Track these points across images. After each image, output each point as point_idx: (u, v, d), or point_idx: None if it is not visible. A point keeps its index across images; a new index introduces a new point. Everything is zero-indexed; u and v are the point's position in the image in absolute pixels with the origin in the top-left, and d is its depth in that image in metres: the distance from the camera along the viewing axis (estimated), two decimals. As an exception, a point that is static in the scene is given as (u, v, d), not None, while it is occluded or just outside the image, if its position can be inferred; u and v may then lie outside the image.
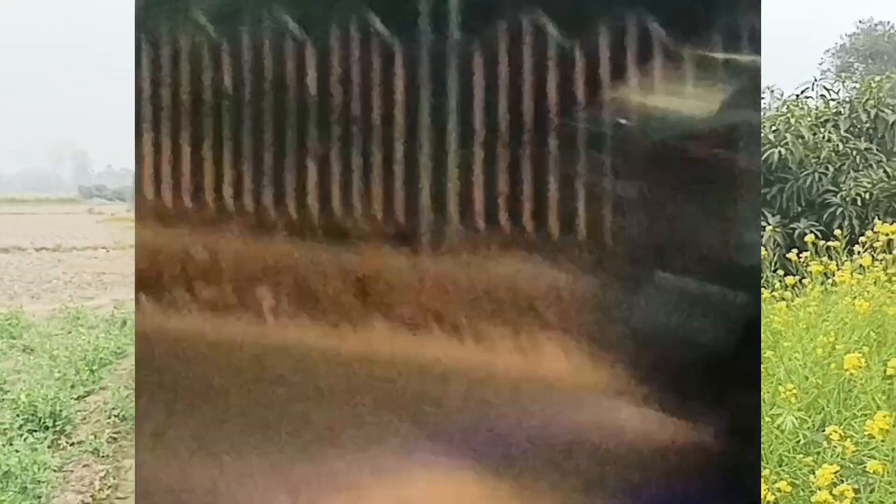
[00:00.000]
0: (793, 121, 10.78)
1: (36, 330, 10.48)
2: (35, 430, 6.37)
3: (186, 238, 10.76)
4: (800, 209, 10.38)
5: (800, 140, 10.49)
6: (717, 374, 4.06)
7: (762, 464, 3.58)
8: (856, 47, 32.50)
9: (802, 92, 11.92)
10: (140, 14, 5.81)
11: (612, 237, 4.87)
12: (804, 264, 5.83)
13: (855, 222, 9.63)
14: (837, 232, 6.47)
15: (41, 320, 11.30)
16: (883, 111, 10.99)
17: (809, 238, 6.15)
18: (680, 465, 4.27)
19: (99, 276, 18.61)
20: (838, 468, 3.00)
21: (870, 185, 9.89)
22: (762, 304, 5.35)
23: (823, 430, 3.49)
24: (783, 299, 5.67)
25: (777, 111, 11.59)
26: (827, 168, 10.45)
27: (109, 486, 5.64)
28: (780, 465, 3.56)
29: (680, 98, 4.68)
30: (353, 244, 7.06)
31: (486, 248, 5.63)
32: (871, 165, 10.44)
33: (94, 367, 8.31)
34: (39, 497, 5.26)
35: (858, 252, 6.01)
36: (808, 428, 3.72)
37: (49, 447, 6.15)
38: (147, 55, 6.46)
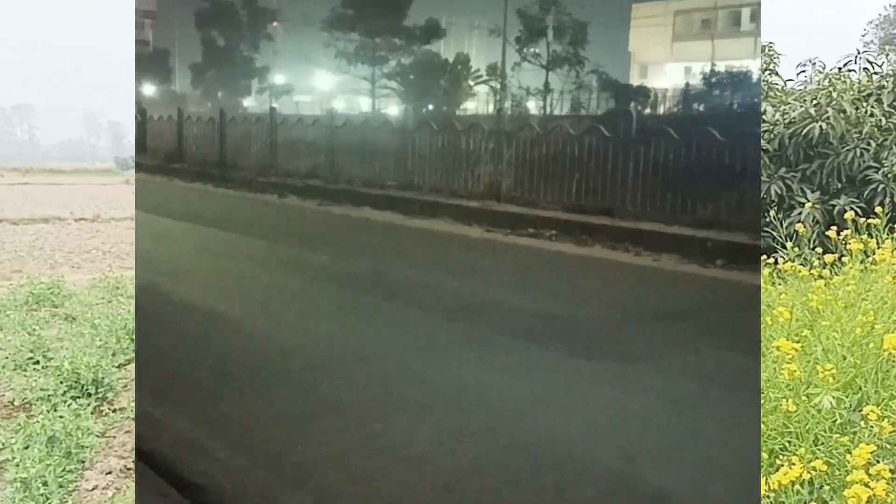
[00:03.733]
0: (835, 94, 10.54)
1: (77, 299, 10.68)
2: (78, 397, 6.54)
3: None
4: (840, 185, 10.19)
5: (842, 115, 10.27)
6: None
7: (799, 443, 3.57)
8: (901, 18, 31.53)
9: (845, 65, 11.64)
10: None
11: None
12: (844, 242, 5.74)
13: (896, 199, 9.44)
14: (878, 209, 6.37)
15: (82, 290, 11.51)
16: (928, 85, 10.70)
17: (849, 215, 6.05)
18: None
19: (136, 247, 18.86)
20: (875, 448, 2.98)
21: (913, 162, 9.67)
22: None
23: (860, 411, 3.47)
24: (822, 277, 5.59)
25: (819, 84, 11.34)
26: (869, 143, 10.23)
27: (150, 452, 5.79)
28: (817, 445, 3.55)
29: None
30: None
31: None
32: (914, 141, 10.20)
33: (134, 336, 8.47)
34: (83, 461, 5.42)
35: (900, 230, 5.90)
36: (846, 408, 3.70)
37: (92, 413, 6.31)
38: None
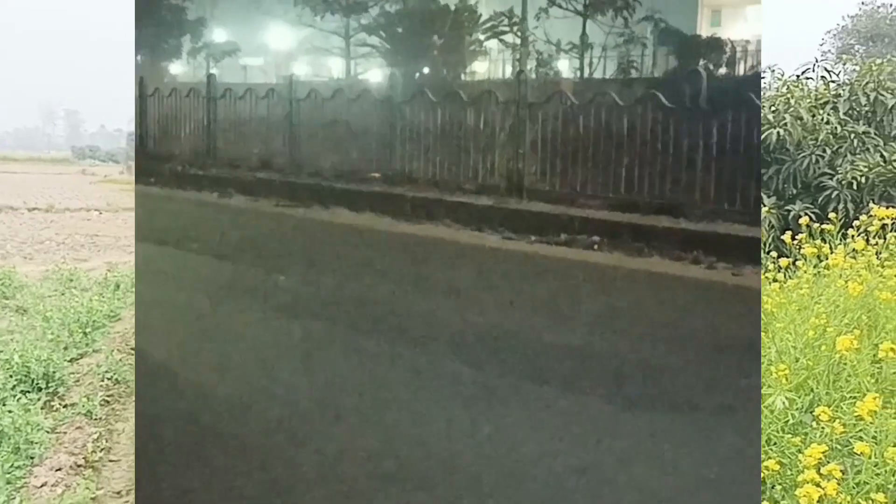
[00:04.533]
0: (792, 101, 10.76)
1: (29, 291, 10.43)
2: (28, 392, 6.37)
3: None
4: (795, 191, 10.39)
5: (798, 121, 10.48)
6: None
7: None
8: (857, 29, 32.32)
9: (803, 73, 11.89)
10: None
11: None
12: (798, 246, 5.86)
13: (850, 206, 9.66)
14: (832, 215, 6.50)
15: (34, 281, 11.24)
16: (882, 94, 10.97)
17: (804, 220, 6.18)
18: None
19: (92, 238, 18.50)
20: (826, 448, 3.05)
21: (866, 169, 9.90)
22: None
23: (812, 412, 3.54)
24: (776, 280, 5.71)
25: (777, 91, 11.56)
26: (824, 150, 10.45)
27: (102, 449, 5.66)
28: (769, 444, 3.61)
29: None
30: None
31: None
32: (868, 149, 10.45)
33: (88, 330, 8.30)
34: (32, 458, 5.29)
35: (852, 236, 6.03)
36: (798, 409, 3.77)
37: (42, 408, 6.15)
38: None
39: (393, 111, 10.75)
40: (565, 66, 17.99)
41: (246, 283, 6.44)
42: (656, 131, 8.19)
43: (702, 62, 15.52)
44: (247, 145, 12.46)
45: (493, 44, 18.46)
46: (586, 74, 17.39)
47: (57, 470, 5.20)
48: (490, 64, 18.57)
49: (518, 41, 18.08)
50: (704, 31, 17.82)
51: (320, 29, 18.62)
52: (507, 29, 18.28)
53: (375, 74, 18.28)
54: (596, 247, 7.57)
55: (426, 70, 18.14)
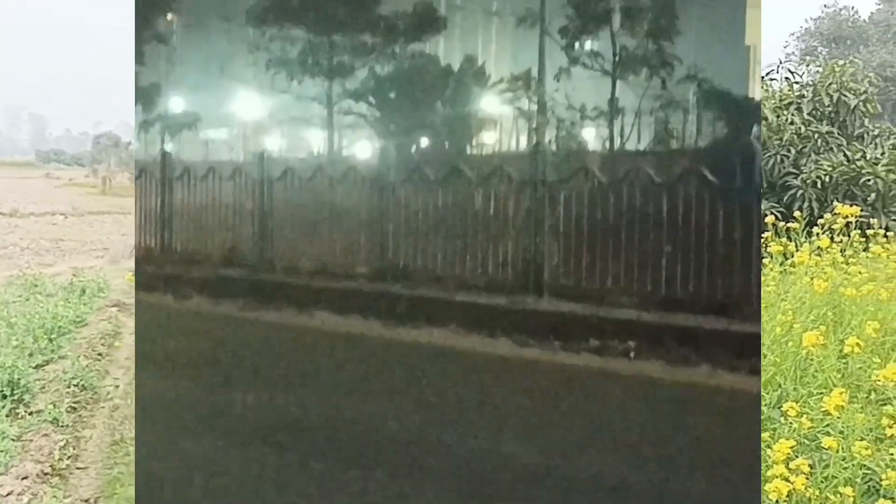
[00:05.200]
0: (757, 102, 10.92)
1: (-8, 297, 10.25)
2: (-8, 399, 6.27)
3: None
4: (761, 190, 10.54)
5: (763, 122, 10.64)
6: None
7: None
8: (820, 31, 32.95)
9: (767, 74, 12.08)
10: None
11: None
12: (764, 245, 5.95)
13: (814, 204, 9.83)
14: (797, 214, 6.62)
15: (-3, 287, 11.06)
16: (845, 95, 11.18)
17: (770, 219, 6.29)
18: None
19: (57, 243, 18.22)
20: (794, 443, 3.09)
21: (830, 169, 10.08)
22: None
23: (780, 407, 3.59)
24: (744, 279, 5.78)
25: (742, 92, 11.71)
26: (789, 150, 10.62)
27: (69, 457, 5.57)
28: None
29: None
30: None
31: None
32: (831, 149, 10.65)
33: (53, 336, 8.16)
34: (-3, 466, 5.19)
35: (817, 234, 6.15)
36: (766, 404, 3.83)
37: (7, 416, 6.03)
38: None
39: (385, 193, 9.10)
40: (591, 136, 14.53)
41: (201, 405, 5.23)
42: (702, 214, 6.80)
43: (755, 130, 13.33)
44: (209, 236, 10.29)
45: (505, 110, 14.78)
46: (616, 145, 14.39)
47: (23, 478, 5.10)
48: (501, 134, 14.84)
49: (535, 107, 14.63)
50: (758, 92, 14.81)
51: (298, 96, 15.19)
52: (521, 92, 14.52)
53: (364, 149, 15.13)
54: (632, 354, 6.27)
55: (425, 142, 14.91)
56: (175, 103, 15.67)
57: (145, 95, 15.07)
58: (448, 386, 5.65)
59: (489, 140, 14.94)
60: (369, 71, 14.84)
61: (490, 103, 14.63)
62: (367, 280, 8.55)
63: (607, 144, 13.77)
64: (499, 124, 14.95)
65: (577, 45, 13.86)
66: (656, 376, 5.53)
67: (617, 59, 13.71)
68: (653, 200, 7.07)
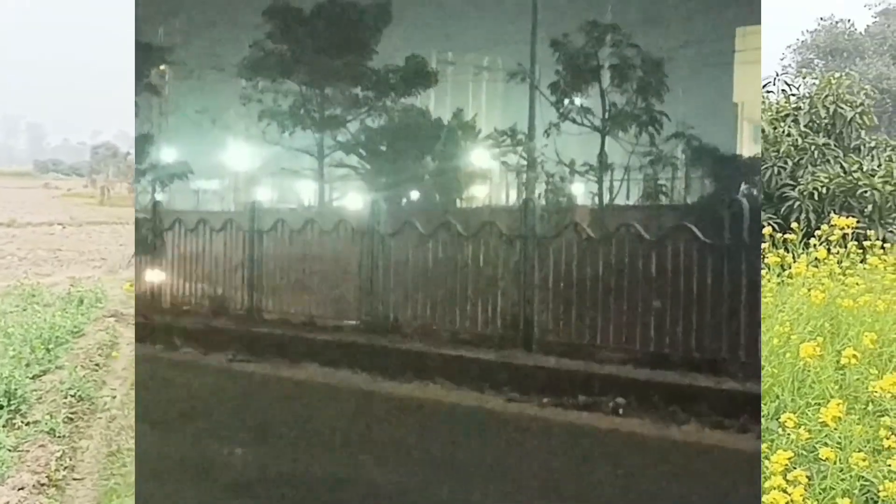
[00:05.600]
0: (754, 114, 10.98)
1: (-11, 307, 10.23)
2: (-11, 409, 6.25)
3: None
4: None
5: (760, 134, 10.69)
6: None
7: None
8: (816, 44, 33.09)
9: (764, 86, 12.13)
10: None
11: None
12: (762, 256, 5.96)
13: (811, 216, 9.87)
14: (794, 225, 6.63)
15: (-6, 297, 11.03)
16: (841, 107, 11.24)
17: (767, 230, 6.29)
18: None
19: (55, 253, 18.20)
20: (792, 455, 3.09)
21: (827, 180, 10.13)
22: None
23: (778, 418, 3.59)
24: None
25: (739, 104, 11.79)
26: (786, 162, 10.67)
27: (65, 467, 5.55)
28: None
29: None
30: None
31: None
32: (828, 161, 10.70)
33: (50, 346, 8.14)
34: (-7, 477, 5.17)
35: (814, 245, 6.16)
36: (764, 415, 3.83)
37: (4, 426, 6.01)
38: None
39: (375, 245, 8.84)
40: (580, 191, 15.14)
41: (187, 458, 5.04)
42: (691, 271, 6.62)
43: (744, 186, 12.55)
44: (198, 287, 10.03)
45: (494, 164, 15.64)
46: (606, 200, 14.55)
47: (20, 489, 5.08)
48: (491, 188, 15.88)
49: (524, 161, 15.21)
50: (746, 149, 14.93)
51: (288, 147, 15.69)
52: (511, 147, 15.35)
53: (354, 201, 15.46)
54: (621, 411, 6.07)
55: (415, 195, 15.57)
56: (166, 154, 15.87)
57: (139, 145, 15.44)
58: (433, 441, 5.49)
59: (479, 194, 15.35)
60: (360, 123, 15.39)
61: (480, 157, 14.59)
62: (356, 333, 8.30)
63: (596, 199, 14.35)
64: (488, 178, 15.33)
65: (566, 100, 14.40)
66: (645, 433, 5.36)
67: (606, 115, 14.24)
68: (642, 257, 6.94)
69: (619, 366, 6.59)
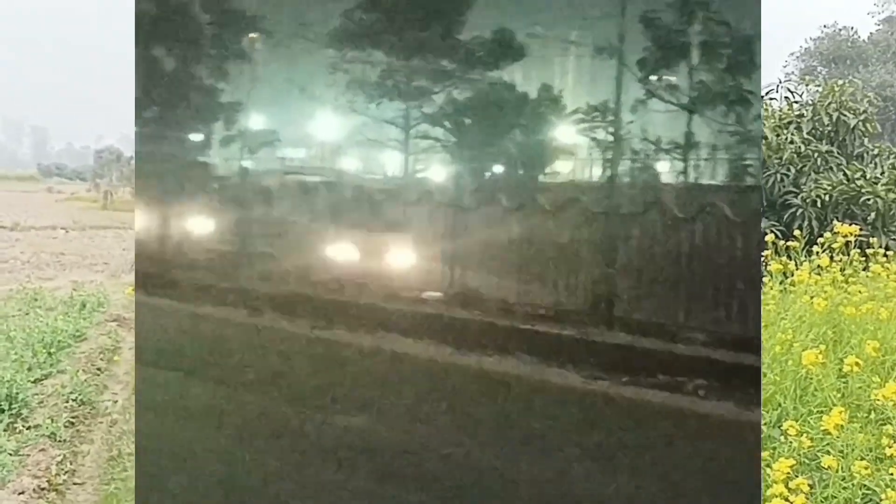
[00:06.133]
0: (757, 121, 10.97)
1: (-9, 310, 10.24)
2: (-10, 413, 6.25)
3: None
4: (761, 209, 10.56)
5: (763, 141, 10.67)
6: None
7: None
8: (819, 51, 33.09)
9: (767, 93, 12.12)
10: None
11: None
12: (764, 263, 5.96)
13: (814, 223, 9.84)
14: (797, 232, 6.63)
15: (-3, 301, 11.04)
16: (844, 115, 11.23)
17: (769, 237, 6.29)
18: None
19: (58, 257, 18.22)
20: (794, 462, 3.08)
21: (830, 188, 10.11)
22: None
23: (780, 426, 3.58)
24: (744, 297, 5.78)
25: (742, 111, 11.78)
26: (789, 169, 10.65)
27: (66, 472, 5.54)
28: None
29: None
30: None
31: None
32: (831, 168, 10.67)
33: (52, 350, 8.14)
34: (-6, 481, 5.16)
35: (817, 252, 6.15)
36: (766, 423, 3.81)
37: (5, 430, 6.01)
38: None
39: (457, 218, 8.93)
40: (667, 169, 15.83)
41: (293, 426, 5.18)
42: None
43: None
44: (283, 254, 10.19)
45: (580, 140, 14.90)
46: (692, 179, 15.08)
47: (20, 493, 5.08)
48: (576, 164, 13.95)
49: (610, 138, 15.72)
50: None
51: (374, 118, 14.67)
52: (597, 123, 15.79)
53: (438, 173, 14.71)
54: (702, 392, 5.90)
55: (499, 169, 14.31)
56: (255, 121, 15.63)
57: (227, 112, 14.97)
58: (511, 414, 5.47)
59: (563, 169, 15.54)
60: (447, 96, 14.60)
61: (565, 133, 14.48)
62: (436, 304, 8.31)
63: (681, 178, 14.54)
64: (573, 154, 15.54)
65: (654, 77, 14.47)
66: (728, 416, 5.17)
67: (694, 93, 14.50)
68: (726, 235, 6.81)
69: (701, 346, 6.44)
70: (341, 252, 9.18)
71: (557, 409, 5.73)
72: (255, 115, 15.51)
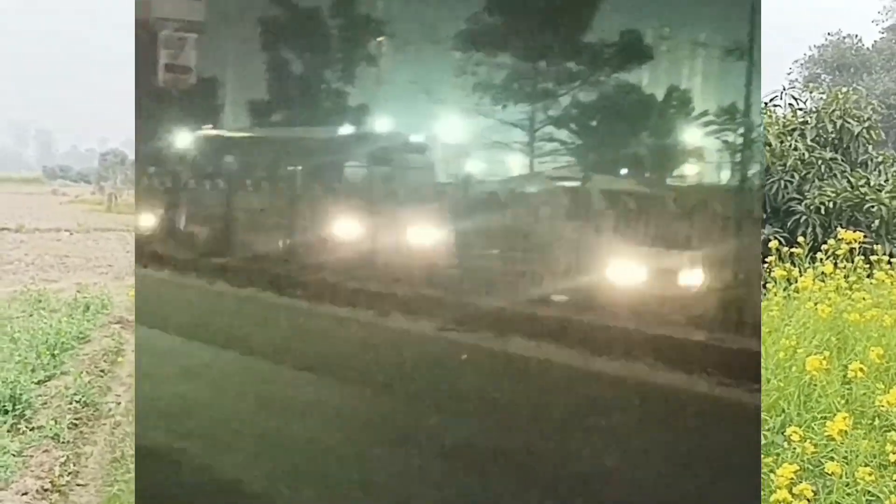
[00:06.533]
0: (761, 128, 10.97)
1: (-4, 312, 10.26)
2: (-6, 414, 6.26)
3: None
4: (765, 216, 10.56)
5: (767, 147, 10.67)
6: None
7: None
8: (823, 58, 33.10)
9: (771, 100, 12.12)
10: None
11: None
12: (768, 270, 5.96)
13: (818, 230, 9.83)
14: (801, 239, 6.62)
15: (2, 302, 11.05)
16: (848, 122, 11.23)
17: (773, 244, 6.30)
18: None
19: (62, 259, 18.25)
20: (798, 468, 3.08)
21: (833, 195, 10.10)
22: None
23: (784, 432, 3.57)
24: (748, 303, 5.78)
25: (746, 118, 11.77)
26: (793, 176, 10.64)
27: (69, 473, 5.54)
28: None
29: None
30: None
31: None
32: (835, 175, 10.67)
33: (56, 352, 8.15)
34: (-3, 481, 5.17)
35: (821, 259, 6.15)
36: (769, 429, 3.81)
37: (8, 431, 6.02)
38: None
39: (584, 220, 8.82)
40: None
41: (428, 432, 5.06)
42: None
43: None
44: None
45: (710, 142, 13.61)
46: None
47: (23, 494, 5.08)
48: (706, 167, 13.79)
49: (740, 140, 15.49)
50: None
51: (500, 120, 14.82)
52: (727, 125, 15.66)
53: (563, 174, 16.70)
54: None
55: (625, 171, 14.22)
56: (381, 123, 15.54)
57: (354, 114, 14.99)
58: (637, 422, 5.26)
59: (691, 172, 14.37)
60: (572, 98, 14.56)
61: (693, 135, 14.40)
62: (563, 308, 8.12)
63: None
64: (701, 156, 14.03)
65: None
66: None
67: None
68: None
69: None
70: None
71: (684, 417, 5.39)
72: (381, 116, 15.34)
